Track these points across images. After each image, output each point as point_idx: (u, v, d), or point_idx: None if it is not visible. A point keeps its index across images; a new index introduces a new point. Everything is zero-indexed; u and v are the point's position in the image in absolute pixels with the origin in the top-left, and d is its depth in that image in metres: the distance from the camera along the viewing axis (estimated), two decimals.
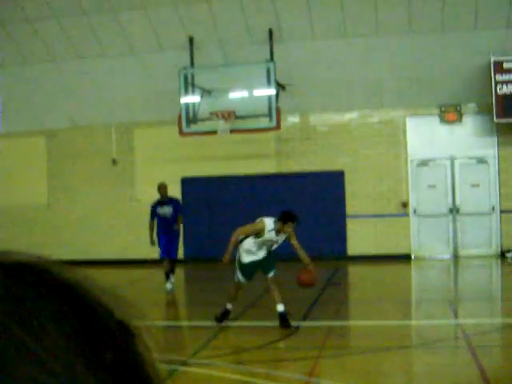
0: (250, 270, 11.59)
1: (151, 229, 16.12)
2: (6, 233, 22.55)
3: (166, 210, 16.00)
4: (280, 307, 11.28)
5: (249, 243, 11.40)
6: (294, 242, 11.47)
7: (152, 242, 16.05)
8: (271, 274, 11.54)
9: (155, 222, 16.18)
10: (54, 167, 22.98)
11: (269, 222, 11.35)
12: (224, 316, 11.72)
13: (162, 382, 0.63)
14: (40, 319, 0.55)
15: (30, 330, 0.54)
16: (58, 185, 22.98)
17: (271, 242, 11.46)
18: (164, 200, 16.15)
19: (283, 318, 11.25)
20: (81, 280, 0.62)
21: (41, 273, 0.60)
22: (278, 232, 11.36)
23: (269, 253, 11.63)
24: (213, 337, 10.81)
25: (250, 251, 11.46)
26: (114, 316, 0.61)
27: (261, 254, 11.53)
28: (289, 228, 11.34)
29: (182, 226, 16.75)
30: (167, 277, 15.90)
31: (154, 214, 16.11)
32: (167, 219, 15.98)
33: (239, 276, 11.63)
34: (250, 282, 11.83)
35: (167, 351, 10.13)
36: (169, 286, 15.80)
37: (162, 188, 16.18)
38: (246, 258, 11.49)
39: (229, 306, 11.76)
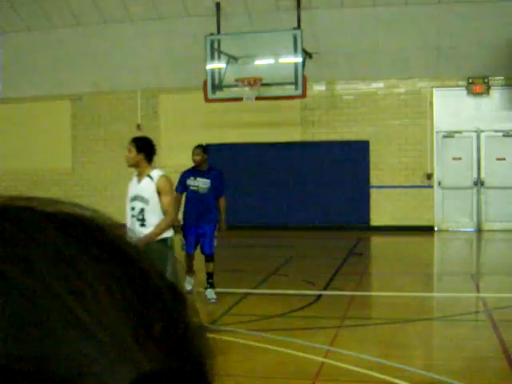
0: None
1: (175, 206, 10.26)
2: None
3: (200, 183, 11.24)
4: None
5: None
6: (166, 200, 8.11)
7: (175, 227, 9.77)
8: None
9: (183, 197, 11.44)
10: (79, 132, 23.03)
11: None
12: None
13: (212, 352, 0.55)
14: (89, 282, 0.49)
15: (78, 295, 0.48)
16: (82, 149, 23.04)
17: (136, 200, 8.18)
18: (200, 169, 11.34)
19: None
20: (132, 238, 0.56)
21: (89, 227, 0.53)
22: (139, 175, 8.26)
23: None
24: (234, 304, 10.85)
25: None
26: (165, 278, 0.55)
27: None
28: (143, 161, 8.11)
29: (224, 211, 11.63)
30: (189, 269, 11.56)
31: (182, 185, 11.34)
32: (200, 196, 11.21)
33: None
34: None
35: None
36: (188, 285, 11.45)
37: (195, 153, 11.40)
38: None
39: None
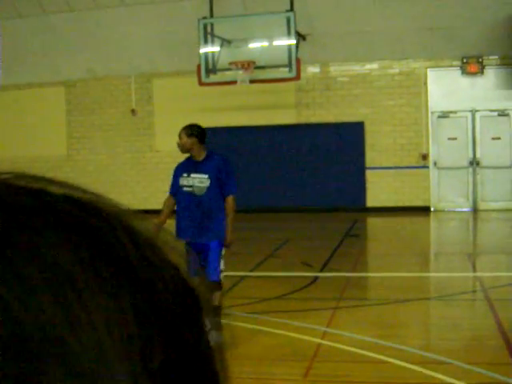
0: None
1: (165, 213, 7.88)
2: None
3: (196, 182, 7.69)
4: None
5: None
6: None
7: None
8: None
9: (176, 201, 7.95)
10: (73, 118, 23.00)
11: None
12: None
13: (227, 370, 0.49)
14: (89, 309, 0.41)
15: (74, 324, 0.41)
16: (77, 135, 23.01)
17: None
18: (196, 160, 7.76)
19: None
20: (148, 233, 0.49)
21: (101, 230, 0.46)
22: None
23: None
24: (231, 287, 10.86)
25: None
26: (178, 283, 0.47)
27: None
28: None
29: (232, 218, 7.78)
30: None
31: (175, 185, 7.90)
32: (197, 200, 7.67)
33: None
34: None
35: None
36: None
37: (179, 136, 7.74)
38: None
39: None
